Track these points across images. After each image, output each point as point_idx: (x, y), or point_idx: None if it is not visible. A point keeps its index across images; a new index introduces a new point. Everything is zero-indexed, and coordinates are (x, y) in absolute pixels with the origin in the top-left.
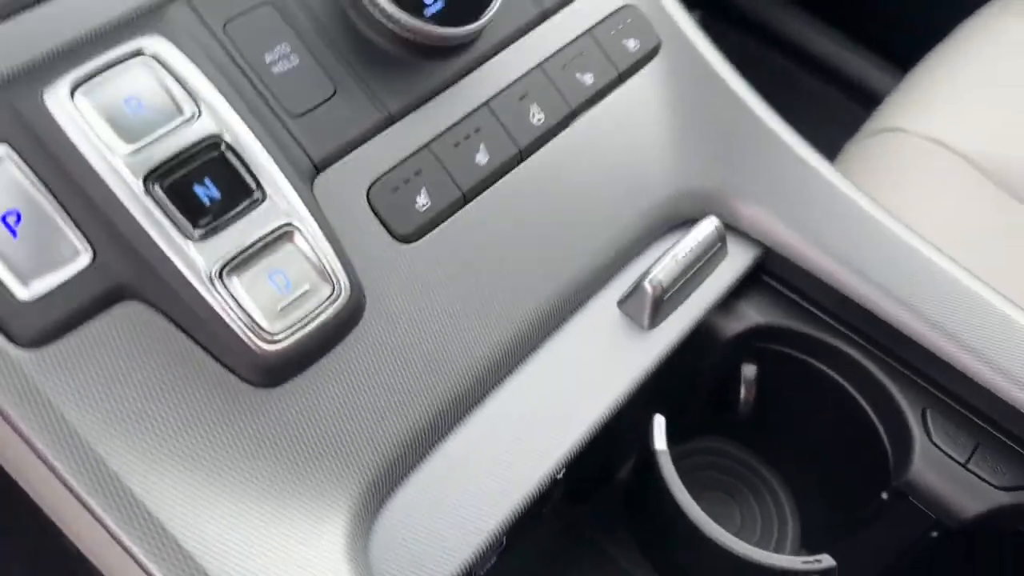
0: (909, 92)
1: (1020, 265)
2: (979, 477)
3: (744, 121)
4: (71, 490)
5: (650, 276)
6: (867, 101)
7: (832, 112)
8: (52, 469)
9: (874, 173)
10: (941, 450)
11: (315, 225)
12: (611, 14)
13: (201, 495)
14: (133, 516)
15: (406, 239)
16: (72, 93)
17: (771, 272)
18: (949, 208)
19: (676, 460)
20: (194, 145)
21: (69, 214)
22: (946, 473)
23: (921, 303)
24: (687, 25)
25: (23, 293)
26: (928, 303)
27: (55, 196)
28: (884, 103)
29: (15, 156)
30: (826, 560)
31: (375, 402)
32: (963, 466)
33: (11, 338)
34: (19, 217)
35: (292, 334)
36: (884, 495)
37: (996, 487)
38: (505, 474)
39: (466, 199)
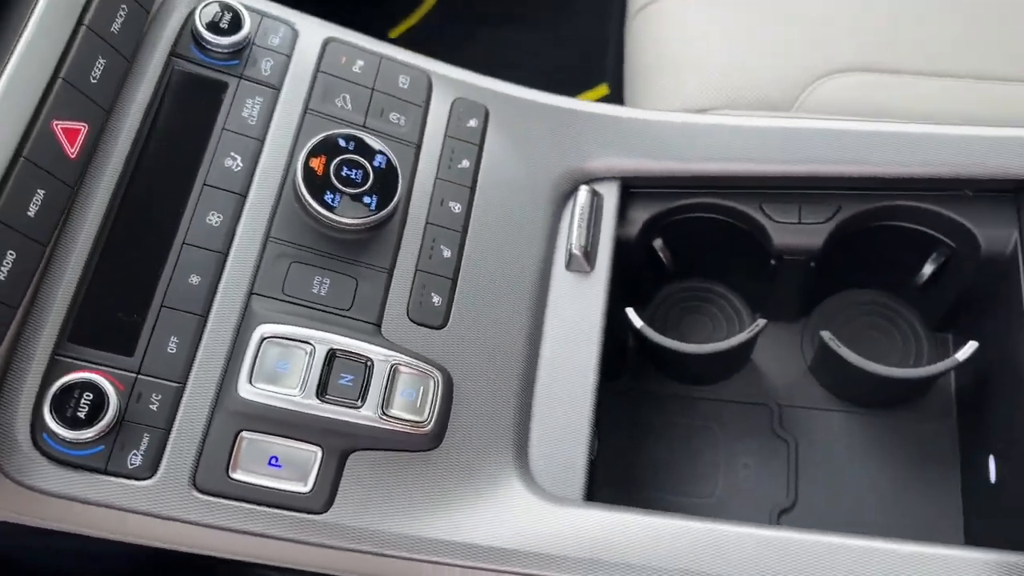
0: None
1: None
2: (812, 223)
3: (559, 115)
4: (397, 556)
5: (572, 243)
6: None
7: None
8: (393, 556)
9: (655, 51)
10: (781, 222)
11: (401, 355)
12: (450, 113)
13: (448, 512)
14: (435, 545)
15: (442, 326)
16: (251, 381)
17: (633, 186)
18: (729, 42)
19: (654, 311)
20: (324, 362)
21: (296, 439)
22: (793, 232)
23: (716, 152)
24: (490, 83)
25: (304, 488)
26: (715, 149)
27: (284, 436)
28: None
29: (253, 433)
30: (761, 322)
31: (489, 411)
32: (799, 223)
33: (313, 512)
34: (277, 458)
35: (435, 415)
36: (773, 262)
37: (823, 223)
38: (574, 391)
39: (455, 281)
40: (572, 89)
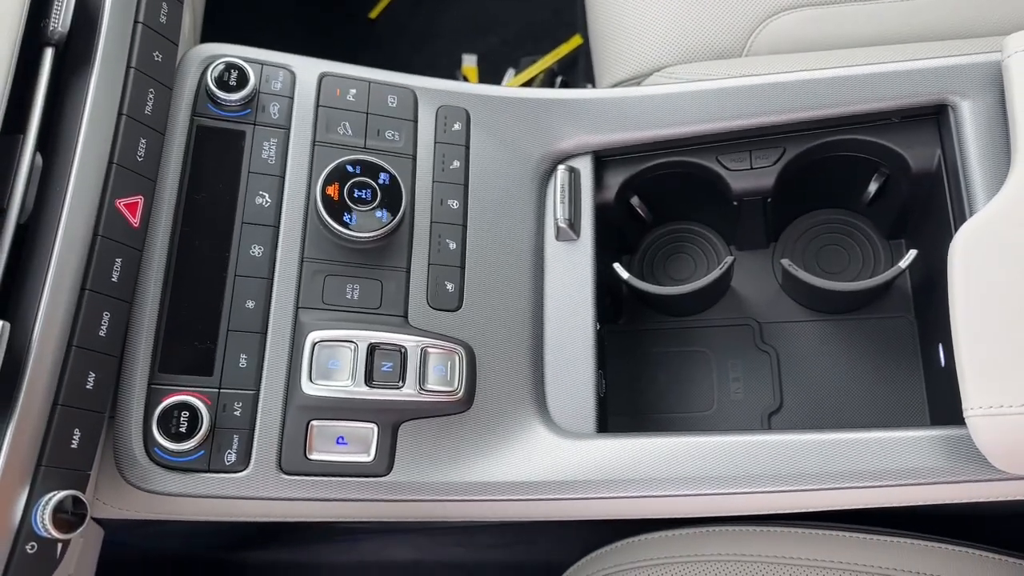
0: None
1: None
2: (762, 167)
3: (530, 105)
4: (450, 500)
5: (557, 217)
6: None
7: None
8: (446, 500)
9: (611, 18)
10: (735, 169)
11: (428, 339)
12: (436, 121)
13: (486, 458)
14: (478, 486)
15: (458, 308)
16: (311, 380)
17: (605, 156)
18: (679, 7)
19: (642, 258)
20: (366, 355)
21: (356, 420)
22: (748, 176)
23: (672, 117)
24: (467, 88)
25: (368, 458)
26: (671, 115)
27: (345, 419)
28: None
29: (321, 421)
30: (728, 259)
31: (508, 371)
32: (751, 168)
33: (378, 475)
34: (343, 437)
35: (464, 384)
36: (735, 203)
37: (771, 165)
38: (577, 342)
39: (463, 268)
40: (548, 43)
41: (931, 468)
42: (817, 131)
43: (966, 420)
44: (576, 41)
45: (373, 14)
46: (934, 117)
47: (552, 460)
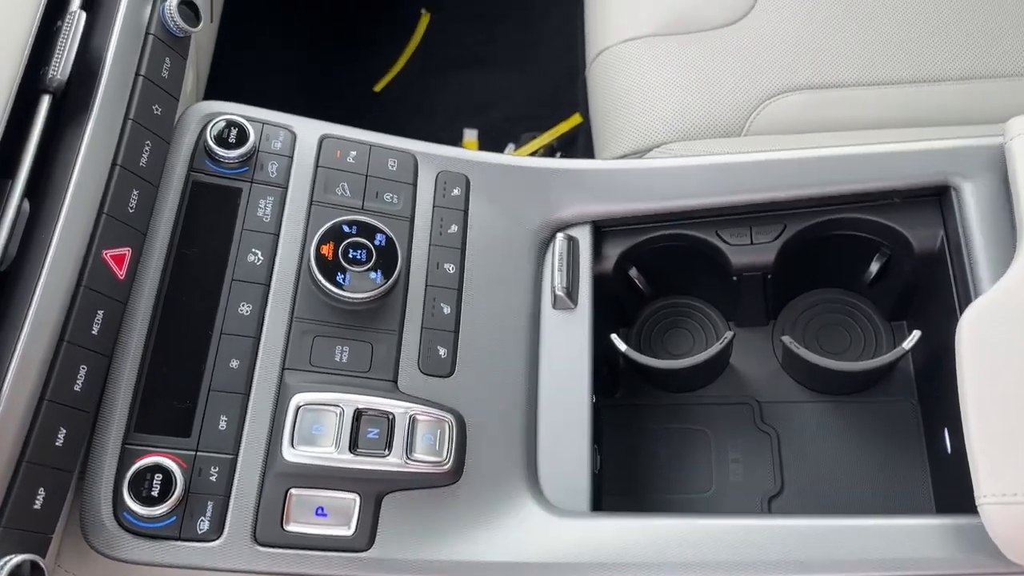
0: (594, 12)
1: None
2: (762, 243)
3: (531, 173)
4: None
5: (555, 285)
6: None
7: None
8: None
9: (613, 94)
10: (735, 244)
11: (418, 406)
12: (435, 185)
13: (474, 536)
14: (465, 567)
15: (450, 375)
16: (293, 445)
17: (604, 226)
18: (679, 79)
19: (639, 331)
20: (352, 420)
21: (337, 489)
22: (748, 251)
23: (672, 191)
24: (467, 155)
25: (348, 532)
26: (671, 189)
27: (326, 488)
28: (585, 29)
29: (300, 489)
30: (728, 334)
31: (499, 443)
32: (751, 244)
33: (358, 550)
34: (322, 508)
35: (452, 455)
36: (735, 278)
37: (772, 241)
38: (572, 415)
39: (456, 333)
40: (547, 121)
41: (940, 558)
42: (818, 209)
43: (979, 508)
44: (576, 120)
45: (378, 87)
46: (936, 198)
47: (543, 540)
